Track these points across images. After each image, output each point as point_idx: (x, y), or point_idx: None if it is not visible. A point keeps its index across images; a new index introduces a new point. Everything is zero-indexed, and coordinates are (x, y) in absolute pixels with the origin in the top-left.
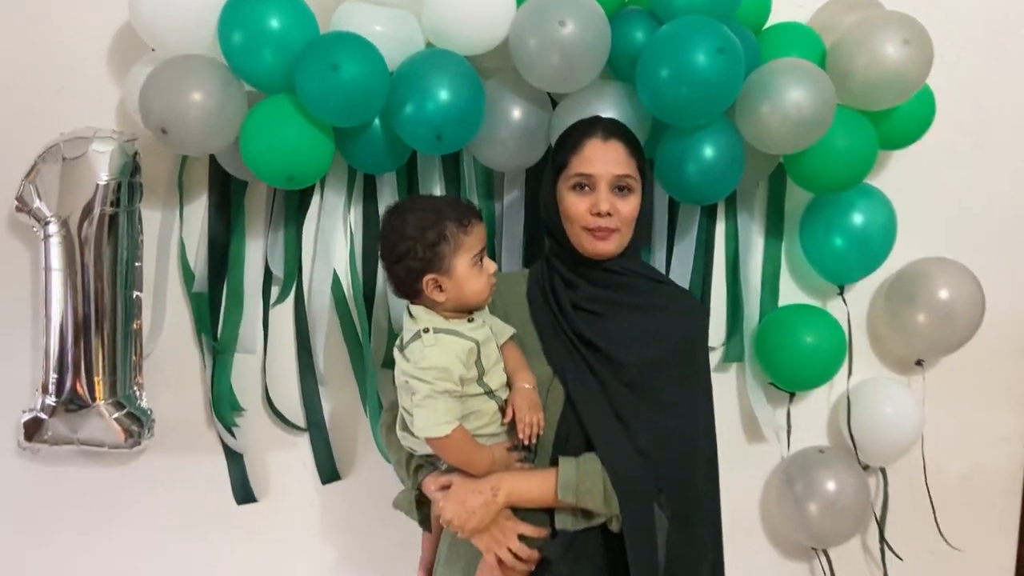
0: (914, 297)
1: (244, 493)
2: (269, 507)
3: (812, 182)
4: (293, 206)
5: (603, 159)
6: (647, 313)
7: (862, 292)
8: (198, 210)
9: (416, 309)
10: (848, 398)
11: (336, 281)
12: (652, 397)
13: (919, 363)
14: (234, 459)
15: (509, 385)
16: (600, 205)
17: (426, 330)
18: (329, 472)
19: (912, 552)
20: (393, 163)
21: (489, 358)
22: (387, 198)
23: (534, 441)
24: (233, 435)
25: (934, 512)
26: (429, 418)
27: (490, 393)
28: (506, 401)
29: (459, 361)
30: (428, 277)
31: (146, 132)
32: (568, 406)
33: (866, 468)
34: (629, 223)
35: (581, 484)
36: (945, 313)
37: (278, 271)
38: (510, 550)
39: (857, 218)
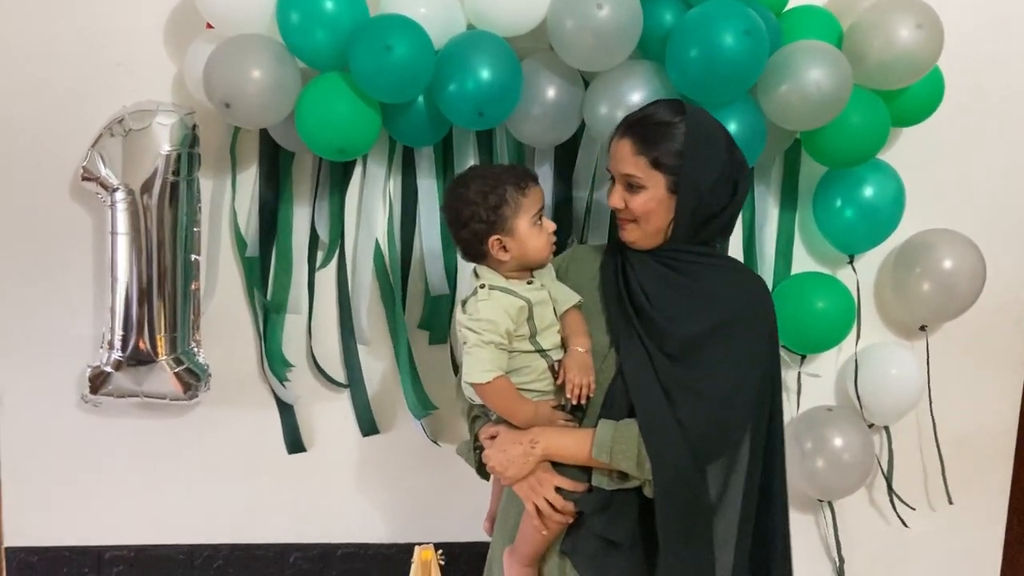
0: (919, 266)
1: (294, 443)
2: (313, 456)
3: (827, 157)
4: (337, 176)
5: (614, 157)
6: (695, 290)
7: (870, 261)
8: (248, 179)
9: (481, 269)
10: (856, 361)
11: (377, 248)
12: (693, 372)
13: (923, 328)
14: (286, 411)
15: (565, 348)
16: (611, 200)
17: (482, 286)
18: (368, 425)
19: (911, 505)
20: (433, 137)
21: (543, 319)
22: (424, 171)
23: (583, 402)
24: (285, 388)
25: (943, 466)
26: (474, 365)
27: (541, 352)
28: (559, 362)
29: (507, 316)
30: (493, 238)
31: (203, 105)
32: (619, 375)
33: (871, 426)
34: (644, 216)
35: (616, 446)
36: (948, 281)
37: (324, 236)
38: (547, 500)
39: (867, 191)
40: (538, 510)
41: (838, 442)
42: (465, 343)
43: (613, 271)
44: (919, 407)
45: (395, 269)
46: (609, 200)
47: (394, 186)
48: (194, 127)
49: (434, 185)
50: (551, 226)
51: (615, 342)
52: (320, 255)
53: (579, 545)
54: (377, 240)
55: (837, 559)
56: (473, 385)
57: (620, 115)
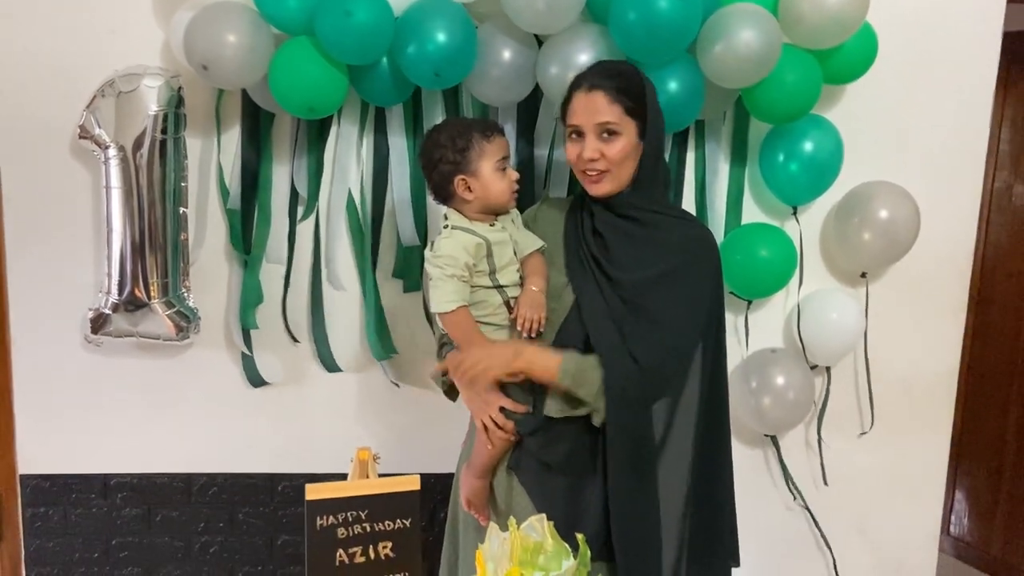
0: (857, 216)
1: (253, 378)
2: (291, 391)
3: (766, 113)
4: (314, 135)
5: (585, 109)
6: (650, 240)
7: (816, 213)
8: (232, 138)
9: (450, 212)
10: (799, 306)
11: (350, 200)
12: (645, 312)
13: (863, 275)
14: (247, 355)
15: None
16: (585, 152)
17: (446, 226)
18: (331, 364)
19: (851, 440)
20: (399, 97)
21: (502, 258)
22: (395, 129)
23: (532, 335)
24: (249, 336)
25: (871, 399)
26: (439, 296)
27: (499, 287)
28: (516, 299)
29: (466, 252)
30: (459, 178)
31: (188, 69)
32: (574, 312)
33: (814, 368)
34: (619, 163)
35: (579, 374)
36: (885, 230)
37: (303, 191)
38: (492, 418)
39: (808, 146)
40: (485, 427)
41: (780, 381)
42: (431, 278)
43: (574, 223)
44: (862, 351)
45: (367, 220)
46: (582, 154)
47: (367, 144)
48: (179, 89)
49: (404, 143)
50: (514, 175)
51: (571, 281)
52: (300, 210)
53: (521, 462)
54: (350, 191)
55: (790, 488)
56: (438, 315)
57: (571, 76)
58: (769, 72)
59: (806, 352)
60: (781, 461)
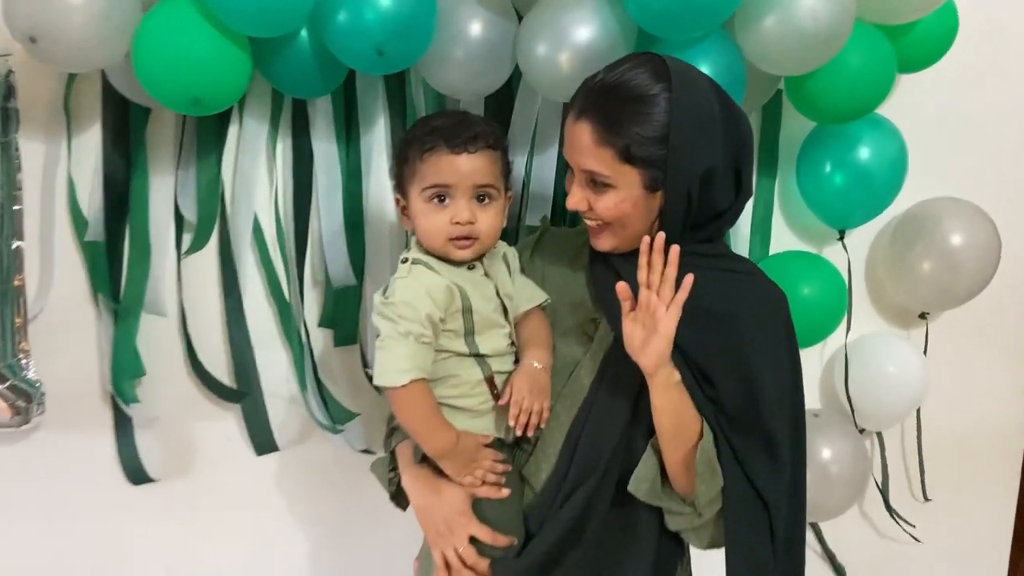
0: (923, 242)
1: (135, 470)
2: (190, 484)
3: (817, 110)
4: (208, 137)
5: (568, 144)
6: (707, 311)
7: (860, 237)
8: (91, 142)
9: (414, 239)
10: (846, 355)
11: (258, 228)
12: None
13: (923, 316)
14: (124, 431)
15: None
16: (568, 200)
17: (405, 260)
18: (265, 442)
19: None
20: (324, 85)
21: (484, 314)
22: (321, 130)
23: (530, 433)
24: (128, 411)
25: (921, 465)
26: (387, 363)
27: (478, 357)
28: (504, 376)
29: (428, 299)
30: (396, 195)
31: (19, 45)
32: (600, 397)
33: (862, 432)
34: (617, 218)
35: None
36: (955, 260)
37: (190, 215)
38: (457, 553)
39: (863, 152)
40: (447, 562)
41: (826, 454)
42: (378, 335)
43: (606, 270)
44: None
45: (288, 252)
46: (567, 199)
47: (283, 150)
48: (8, 74)
49: (334, 149)
50: (459, 214)
51: (591, 355)
52: (189, 239)
53: None
54: (257, 217)
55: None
56: (385, 389)
57: (563, 57)
58: (836, 54)
59: (855, 415)
60: (826, 550)
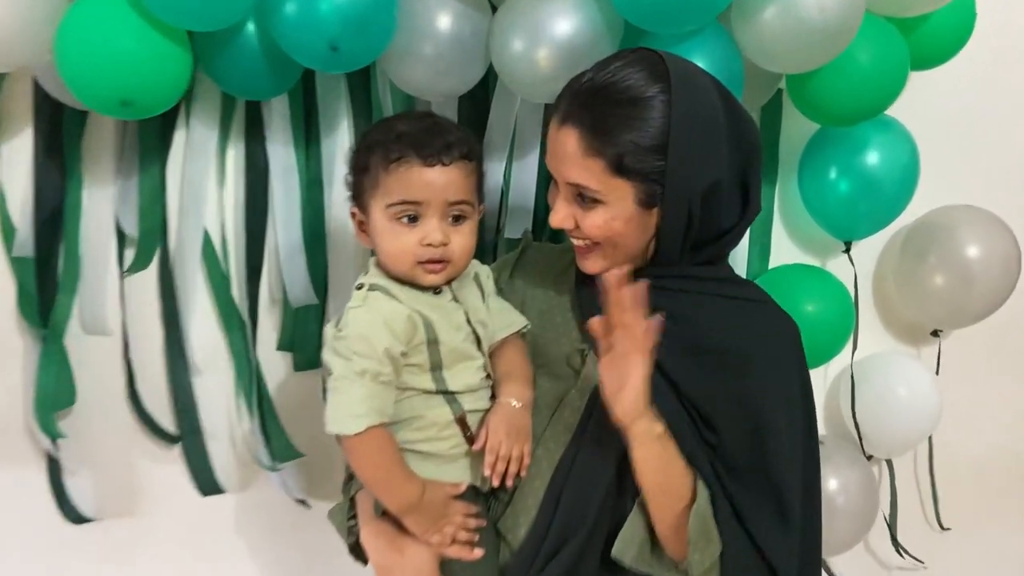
0: (936, 254)
1: (71, 511)
2: (131, 525)
3: (822, 111)
4: (150, 144)
5: (552, 153)
6: (712, 347)
7: (868, 248)
8: (21, 149)
9: (373, 260)
10: (852, 376)
11: (208, 243)
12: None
13: (935, 334)
14: (55, 468)
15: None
16: (552, 217)
17: (360, 286)
18: (208, 483)
19: (917, 548)
20: (276, 85)
21: (452, 346)
22: (277, 132)
23: (509, 483)
24: (56, 446)
25: (934, 494)
26: (339, 407)
27: (447, 395)
28: (481, 421)
29: (387, 331)
30: (353, 209)
31: None
32: (586, 441)
33: (869, 458)
34: (608, 238)
35: (710, 525)
36: (970, 273)
37: (131, 229)
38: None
39: (871, 157)
40: None
41: (832, 484)
42: (330, 374)
43: (592, 295)
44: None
45: (238, 269)
46: (551, 216)
47: (234, 157)
48: None
49: (291, 155)
50: (431, 235)
51: (576, 389)
52: (131, 255)
53: None
54: (206, 230)
55: None
56: (340, 440)
57: (542, 54)
58: (843, 49)
59: (862, 441)
60: None
